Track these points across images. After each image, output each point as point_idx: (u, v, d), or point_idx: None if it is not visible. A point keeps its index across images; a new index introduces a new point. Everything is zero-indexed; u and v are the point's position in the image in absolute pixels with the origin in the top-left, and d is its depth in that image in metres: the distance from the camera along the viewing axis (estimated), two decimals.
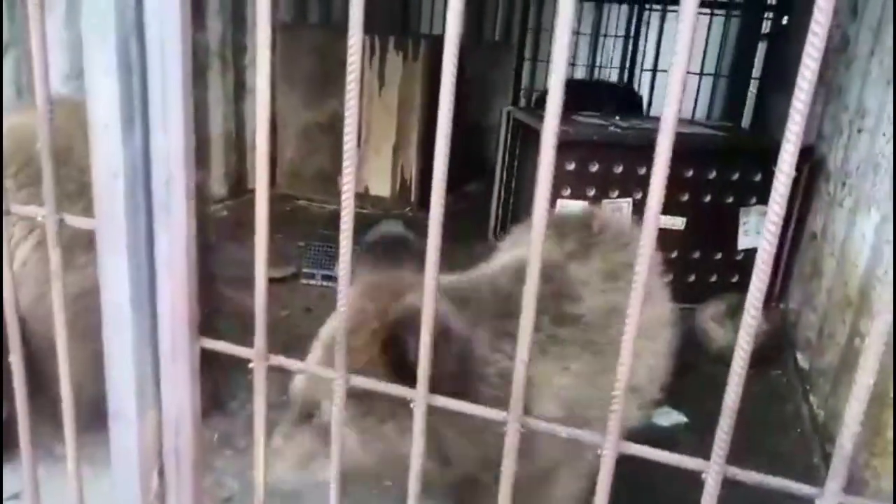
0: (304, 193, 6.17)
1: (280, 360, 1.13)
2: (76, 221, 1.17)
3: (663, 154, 0.89)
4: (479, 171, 6.67)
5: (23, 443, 1.33)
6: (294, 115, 6.10)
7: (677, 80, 0.89)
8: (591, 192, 3.91)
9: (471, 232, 4.80)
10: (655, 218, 0.92)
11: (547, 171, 0.96)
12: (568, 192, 3.89)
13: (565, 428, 1.00)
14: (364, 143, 6.05)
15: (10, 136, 2.51)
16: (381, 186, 6.05)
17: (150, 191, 1.10)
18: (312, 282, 4.32)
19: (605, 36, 9.86)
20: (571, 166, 3.86)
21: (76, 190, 2.46)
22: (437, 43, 6.10)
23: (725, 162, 3.98)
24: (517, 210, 4.63)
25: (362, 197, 5.91)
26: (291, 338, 2.06)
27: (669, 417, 2.84)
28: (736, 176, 3.99)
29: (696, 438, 2.70)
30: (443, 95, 0.95)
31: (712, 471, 0.95)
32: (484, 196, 5.56)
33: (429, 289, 1.02)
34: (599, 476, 1.01)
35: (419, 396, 1.06)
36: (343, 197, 1.04)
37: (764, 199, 3.99)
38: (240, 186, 5.96)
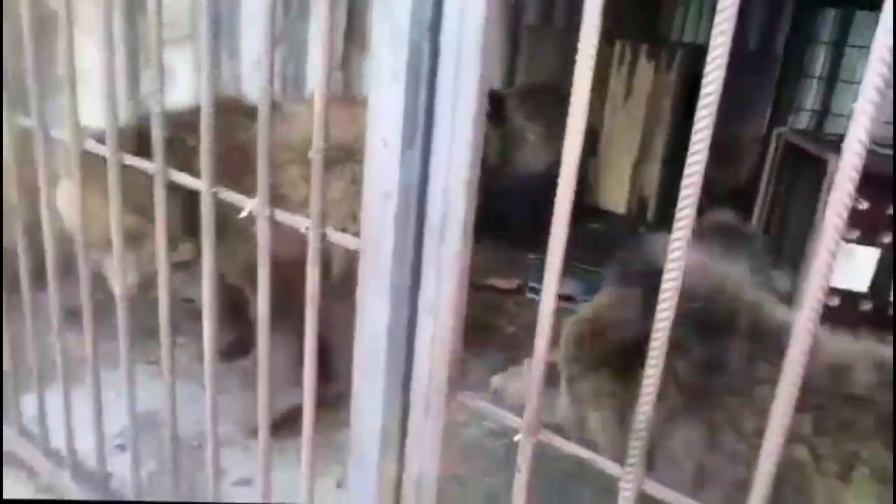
0: None
1: (550, 436, 0.93)
2: (340, 238, 1.06)
3: None
4: (724, 196, 6.04)
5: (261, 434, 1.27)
6: None
7: None
8: (887, 239, 3.25)
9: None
10: None
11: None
12: (856, 235, 3.27)
13: None
14: (600, 155, 5.76)
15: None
16: (616, 202, 5.71)
17: (424, 218, 0.95)
18: (538, 297, 4.12)
19: None
20: (864, 206, 3.22)
21: None
22: (692, 52, 5.61)
23: None
24: (782, 244, 4.06)
25: (594, 212, 5.62)
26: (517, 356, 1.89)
27: None
28: None
29: None
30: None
31: None
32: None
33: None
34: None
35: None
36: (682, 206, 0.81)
37: None
38: None
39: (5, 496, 1.96)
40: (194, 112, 1.96)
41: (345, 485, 1.59)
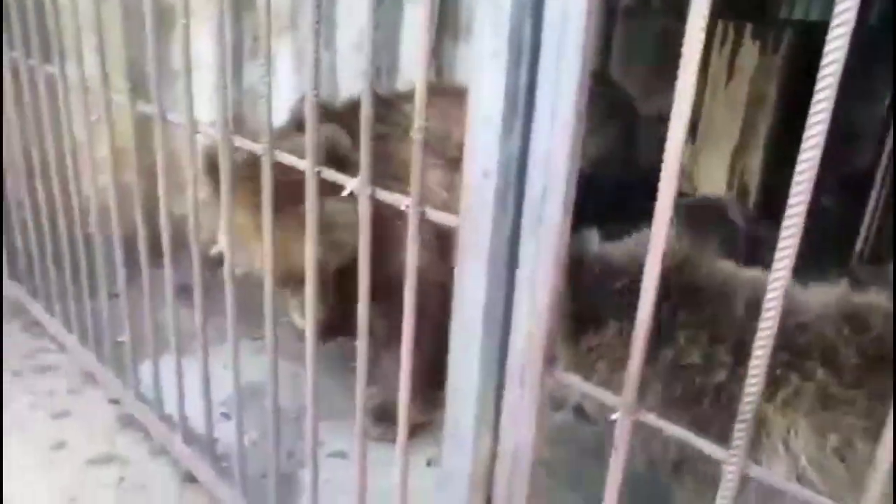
0: None
1: (650, 418, 0.92)
2: (438, 216, 1.08)
3: None
4: (835, 182, 5.68)
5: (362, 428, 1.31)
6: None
7: None
8: None
9: (826, 255, 4.05)
10: None
11: None
12: None
13: None
14: (699, 140, 5.55)
15: None
16: (716, 189, 5.49)
17: (523, 195, 0.96)
18: None
19: None
20: None
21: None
22: (802, 30, 5.30)
23: None
24: None
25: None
26: None
27: None
28: None
29: None
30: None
31: None
32: (844, 213, 4.67)
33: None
34: None
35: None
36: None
37: None
38: None
39: (122, 455, 2.12)
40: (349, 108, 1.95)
41: (436, 463, 1.62)
